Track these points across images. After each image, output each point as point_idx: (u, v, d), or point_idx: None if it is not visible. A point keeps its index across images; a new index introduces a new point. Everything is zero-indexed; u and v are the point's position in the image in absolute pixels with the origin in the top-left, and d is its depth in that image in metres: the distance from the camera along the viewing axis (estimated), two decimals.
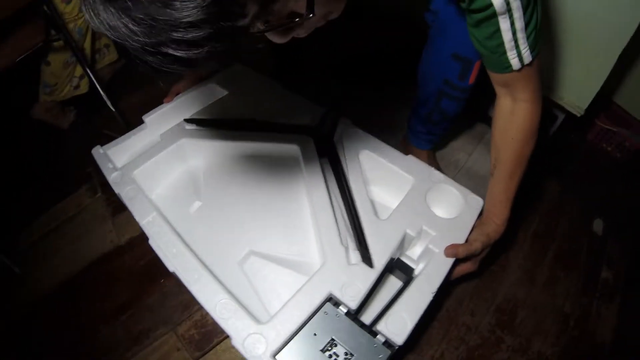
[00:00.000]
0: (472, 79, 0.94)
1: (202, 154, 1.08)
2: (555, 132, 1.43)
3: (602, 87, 1.17)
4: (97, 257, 1.20)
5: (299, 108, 1.10)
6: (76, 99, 1.58)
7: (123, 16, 0.36)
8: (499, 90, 0.80)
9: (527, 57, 0.69)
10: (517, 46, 0.68)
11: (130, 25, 0.36)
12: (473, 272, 0.91)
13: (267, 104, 1.15)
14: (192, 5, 0.35)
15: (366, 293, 0.74)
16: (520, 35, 0.67)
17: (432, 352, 1.00)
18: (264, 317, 0.78)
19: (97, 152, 1.05)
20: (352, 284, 0.74)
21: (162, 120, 1.12)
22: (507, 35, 0.67)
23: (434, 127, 1.16)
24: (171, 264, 0.81)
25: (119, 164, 1.02)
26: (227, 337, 0.72)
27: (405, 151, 0.99)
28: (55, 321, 1.10)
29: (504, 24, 0.65)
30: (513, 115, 0.79)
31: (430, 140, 1.22)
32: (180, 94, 1.17)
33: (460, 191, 0.91)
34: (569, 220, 1.30)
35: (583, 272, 1.19)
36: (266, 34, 0.51)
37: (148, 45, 0.37)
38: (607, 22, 1.06)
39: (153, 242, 0.85)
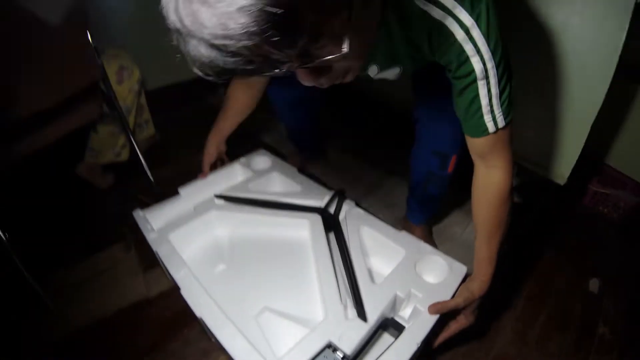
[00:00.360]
0: (450, 169, 1.16)
1: (229, 225, 1.29)
2: (550, 201, 1.55)
3: (592, 152, 1.25)
4: (126, 305, 1.29)
5: (311, 190, 1.32)
6: (116, 165, 1.79)
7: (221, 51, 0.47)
8: (475, 160, 0.92)
9: (500, 121, 0.81)
10: (492, 111, 0.80)
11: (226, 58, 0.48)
12: (468, 329, 1.02)
13: (284, 186, 1.39)
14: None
15: (360, 341, 0.88)
16: (495, 101, 0.79)
17: None
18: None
19: (137, 214, 1.25)
20: (348, 334, 0.89)
21: (195, 192, 1.35)
22: (484, 100, 0.78)
23: (425, 207, 1.38)
24: (199, 311, 0.97)
25: (155, 227, 1.22)
26: None
27: (404, 227, 1.18)
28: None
29: (482, 89, 0.77)
30: (487, 181, 0.91)
31: (425, 217, 1.42)
32: (212, 172, 1.40)
33: (445, 260, 1.06)
34: (565, 281, 1.38)
35: (578, 329, 1.24)
36: (298, 70, 0.60)
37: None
38: (578, 94, 1.21)
39: (184, 292, 1.01)
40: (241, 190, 1.33)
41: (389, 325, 1.00)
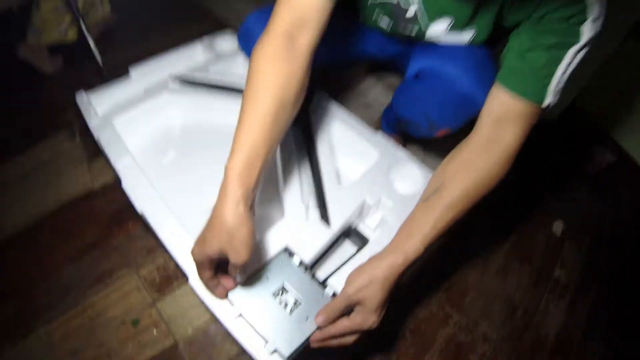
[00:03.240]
0: (437, 135, 0.93)
1: (182, 110, 1.12)
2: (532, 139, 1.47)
3: (584, 103, 1.25)
4: (68, 200, 1.21)
5: None
6: (64, 47, 1.58)
7: None
8: (487, 123, 0.72)
9: (551, 98, 0.69)
10: (557, 84, 0.68)
11: None
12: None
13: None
14: None
15: (320, 248, 0.79)
16: (564, 79, 0.68)
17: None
18: None
19: (81, 97, 1.07)
20: (308, 238, 0.79)
21: (148, 73, 1.15)
22: (559, 71, 0.67)
23: (402, 132, 1.23)
24: (139, 205, 0.85)
25: (100, 111, 1.05)
26: (187, 281, 0.74)
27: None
28: (20, 260, 1.10)
29: (568, 59, 0.66)
30: (491, 146, 0.71)
31: (398, 130, 1.28)
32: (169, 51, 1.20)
33: (421, 170, 0.95)
34: (531, 217, 1.35)
35: (537, 267, 1.23)
36: None
37: None
38: None
39: (125, 184, 0.89)
40: (200, 73, 1.15)
41: (352, 234, 0.91)
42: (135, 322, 1.00)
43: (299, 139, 0.99)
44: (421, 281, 1.11)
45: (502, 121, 0.70)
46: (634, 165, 1.50)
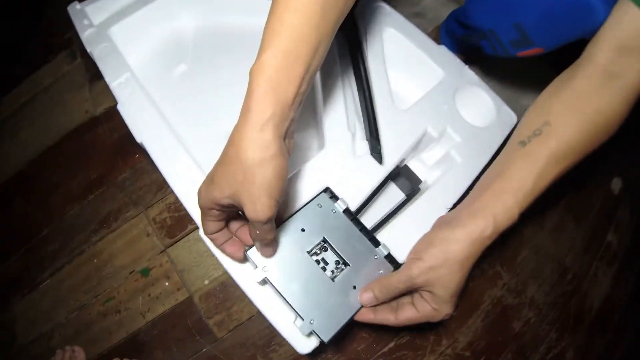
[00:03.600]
0: (521, 55, 0.71)
1: (195, 11, 0.89)
2: None
3: None
4: (70, 130, 1.07)
5: None
6: None
7: None
8: (608, 50, 0.51)
9: None
10: None
11: None
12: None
13: None
14: None
15: (371, 192, 0.60)
16: None
17: None
18: None
19: (74, 8, 0.86)
20: (356, 178, 0.60)
21: None
22: None
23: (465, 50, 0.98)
24: (140, 134, 0.67)
25: (97, 21, 0.84)
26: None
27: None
28: (21, 199, 1.02)
29: None
30: (613, 81, 0.51)
31: (462, 49, 1.03)
32: None
33: (493, 100, 0.75)
34: (590, 170, 1.18)
35: (591, 229, 1.09)
36: None
37: None
38: None
39: (122, 107, 0.70)
40: None
41: (401, 174, 0.71)
42: (145, 272, 0.90)
43: (342, 48, 0.77)
44: None
45: (630, 50, 0.49)
46: None
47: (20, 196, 1.03)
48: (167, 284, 0.88)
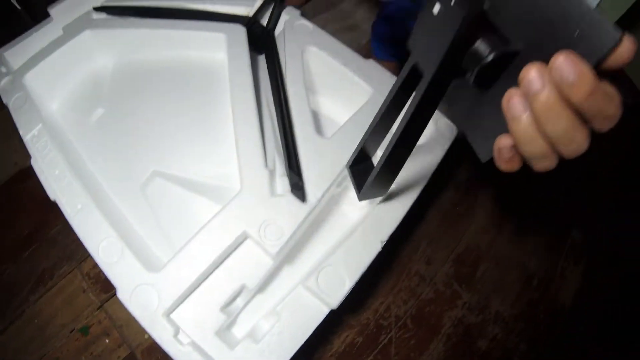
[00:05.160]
0: None
1: (111, 50, 0.83)
2: None
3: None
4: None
5: None
6: None
7: None
8: None
9: None
10: None
11: None
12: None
13: None
14: None
15: (291, 235, 0.54)
16: None
17: (376, 305, 0.87)
18: (164, 258, 0.60)
19: None
20: (275, 221, 0.54)
21: (71, 9, 0.85)
22: None
23: (398, 44, 0.94)
24: (52, 190, 0.63)
25: (15, 66, 0.79)
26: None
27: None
28: None
29: None
30: None
31: (397, 53, 0.99)
32: None
33: None
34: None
35: (554, 227, 1.07)
36: None
37: None
38: None
39: (35, 163, 0.66)
40: None
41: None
42: (84, 330, 0.89)
43: (261, 72, 0.72)
44: (425, 253, 0.93)
45: None
46: None
47: None
48: (107, 341, 0.87)
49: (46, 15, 0.86)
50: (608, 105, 0.28)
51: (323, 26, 0.77)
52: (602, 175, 1.18)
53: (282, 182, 0.58)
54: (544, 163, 0.31)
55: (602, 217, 1.11)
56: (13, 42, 0.82)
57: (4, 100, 0.75)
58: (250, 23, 0.77)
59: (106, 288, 0.90)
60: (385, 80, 0.71)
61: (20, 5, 1.19)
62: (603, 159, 1.20)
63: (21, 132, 0.70)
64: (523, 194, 1.07)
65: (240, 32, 0.74)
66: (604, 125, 0.29)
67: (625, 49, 0.27)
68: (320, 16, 1.19)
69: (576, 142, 0.29)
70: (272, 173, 0.58)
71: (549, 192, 1.10)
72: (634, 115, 1.30)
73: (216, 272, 0.55)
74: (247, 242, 0.56)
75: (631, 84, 1.34)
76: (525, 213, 1.06)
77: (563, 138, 0.29)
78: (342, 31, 1.07)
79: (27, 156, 0.96)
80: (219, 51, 0.76)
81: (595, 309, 1.00)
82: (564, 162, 0.31)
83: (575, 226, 1.08)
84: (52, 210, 0.91)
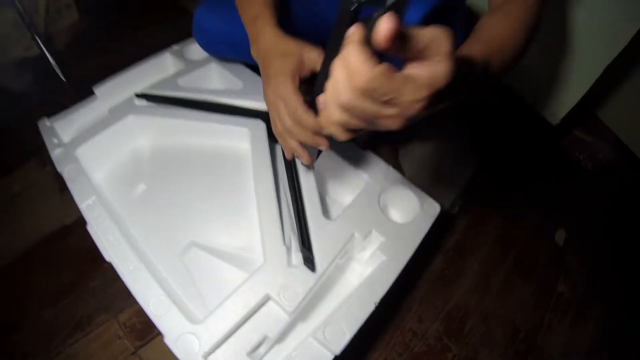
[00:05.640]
0: None
1: (150, 133, 1.01)
2: (528, 138, 1.45)
3: (584, 98, 1.19)
4: (42, 237, 1.11)
5: (256, 88, 1.02)
6: (32, 62, 1.45)
7: None
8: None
9: None
10: None
11: None
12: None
13: (224, 82, 1.10)
14: None
15: (304, 295, 0.69)
16: None
17: (374, 356, 0.96)
18: (201, 314, 0.74)
19: (44, 124, 0.98)
20: (291, 287, 0.70)
21: (114, 91, 1.05)
22: None
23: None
24: (107, 253, 0.76)
25: (65, 139, 0.96)
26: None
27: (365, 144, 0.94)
28: None
29: None
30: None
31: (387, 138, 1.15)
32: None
33: (416, 194, 0.86)
34: (533, 227, 1.28)
35: (539, 282, 1.17)
36: None
37: None
38: (598, 34, 1.08)
39: (91, 228, 0.80)
40: (169, 87, 1.04)
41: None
42: None
43: (278, 159, 0.90)
44: (417, 313, 1.04)
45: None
46: (637, 162, 1.41)
47: None
48: None
49: (89, 91, 1.05)
50: (389, 89, 0.35)
51: None
52: (585, 229, 1.30)
53: (297, 256, 0.74)
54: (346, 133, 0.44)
55: (587, 270, 1.21)
56: (62, 114, 1.01)
57: (58, 169, 0.90)
58: (267, 117, 0.95)
59: (141, 336, 0.97)
60: (380, 168, 0.89)
61: (65, 78, 1.39)
62: (587, 213, 1.33)
63: (76, 200, 0.84)
64: (508, 254, 1.19)
65: (261, 127, 0.93)
66: (404, 110, 0.37)
67: (381, 28, 0.31)
68: None
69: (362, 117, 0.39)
70: (288, 249, 0.74)
71: (533, 249, 1.21)
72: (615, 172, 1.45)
73: (245, 325, 0.69)
74: (269, 302, 0.71)
75: (616, 138, 1.44)
76: (511, 271, 1.16)
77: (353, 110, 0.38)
78: None
79: (68, 214, 1.14)
80: (244, 142, 0.94)
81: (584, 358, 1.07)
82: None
83: (562, 280, 1.18)
84: (92, 265, 1.05)
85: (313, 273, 0.72)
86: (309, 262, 0.72)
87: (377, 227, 0.79)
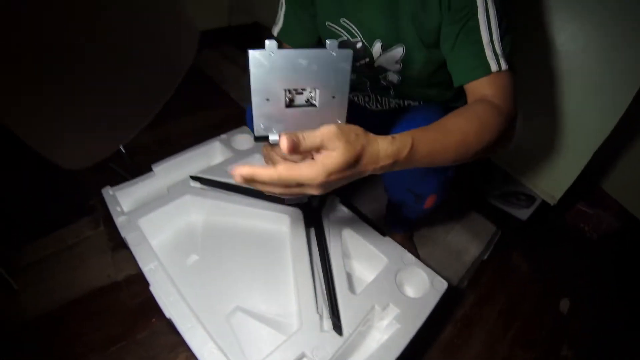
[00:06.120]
0: (426, 205, 1.04)
1: (203, 211, 1.21)
2: (532, 212, 1.54)
3: (584, 172, 1.23)
4: (92, 289, 1.22)
5: None
6: None
7: None
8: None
9: (503, 63, 0.74)
10: (493, 48, 0.74)
11: None
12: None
13: None
14: None
15: (333, 354, 0.85)
16: (496, 37, 0.74)
17: None
18: None
19: (107, 192, 1.17)
20: (323, 347, 0.86)
21: (169, 171, 1.27)
22: (485, 34, 0.74)
23: (401, 224, 1.31)
24: (168, 311, 0.92)
25: (125, 208, 1.14)
26: None
27: (386, 229, 1.13)
28: (46, 344, 1.11)
29: (482, 20, 0.73)
30: (483, 102, 0.73)
31: (402, 230, 1.35)
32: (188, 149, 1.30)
33: (427, 273, 1.03)
34: (537, 297, 1.38)
35: (544, 350, 1.24)
36: None
37: None
38: (586, 122, 1.16)
39: (154, 289, 0.96)
40: (219, 173, 1.25)
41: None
42: None
43: (312, 241, 1.09)
44: None
45: (482, 100, 0.74)
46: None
47: (44, 338, 1.11)
48: None
49: (148, 167, 1.23)
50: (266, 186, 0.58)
51: (353, 198, 1.11)
52: (589, 296, 1.39)
53: (327, 322, 0.91)
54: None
55: (592, 336, 1.29)
56: (122, 185, 1.20)
57: (122, 235, 1.06)
58: (304, 205, 1.15)
59: None
60: (397, 253, 1.07)
61: (126, 153, 1.49)
62: (591, 281, 1.42)
63: (140, 263, 1.00)
64: (513, 323, 1.28)
65: (298, 214, 1.12)
66: (309, 190, 0.57)
67: (282, 144, 0.53)
68: (350, 189, 1.50)
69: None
70: (321, 317, 0.91)
71: (538, 318, 1.30)
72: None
73: None
74: (304, 359, 0.87)
75: (620, 208, 1.52)
76: (516, 339, 1.25)
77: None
78: (368, 202, 1.41)
79: (120, 271, 1.26)
80: (284, 226, 1.14)
81: None
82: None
83: (566, 346, 1.25)
84: (142, 319, 1.16)
85: (340, 337, 0.88)
86: (338, 327, 0.89)
87: (393, 300, 0.96)
